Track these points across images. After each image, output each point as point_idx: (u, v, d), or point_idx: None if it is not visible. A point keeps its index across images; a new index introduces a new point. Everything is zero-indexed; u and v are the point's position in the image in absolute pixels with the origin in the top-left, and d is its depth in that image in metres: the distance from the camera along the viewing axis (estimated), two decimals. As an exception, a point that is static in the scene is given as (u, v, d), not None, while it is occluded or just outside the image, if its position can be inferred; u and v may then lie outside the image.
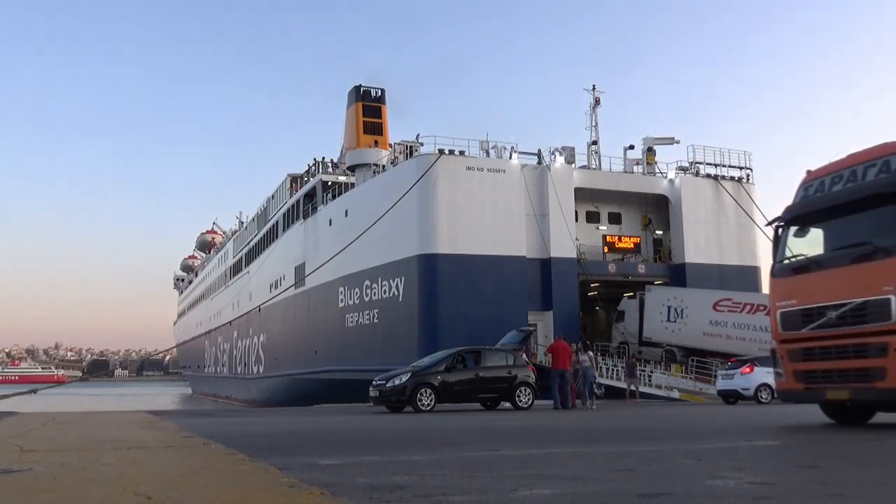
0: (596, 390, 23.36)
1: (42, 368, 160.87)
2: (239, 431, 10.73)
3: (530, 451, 7.54)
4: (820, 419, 11.03)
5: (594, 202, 39.75)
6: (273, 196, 56.65)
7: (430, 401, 17.43)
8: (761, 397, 22.63)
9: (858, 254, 9.49)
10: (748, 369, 23.35)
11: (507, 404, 18.73)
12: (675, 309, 34.01)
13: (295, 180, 50.98)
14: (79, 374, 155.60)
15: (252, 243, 60.73)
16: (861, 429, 10.00)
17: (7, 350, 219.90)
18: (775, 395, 22.70)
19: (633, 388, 27.68)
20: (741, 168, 41.54)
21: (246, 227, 67.43)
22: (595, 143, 40.94)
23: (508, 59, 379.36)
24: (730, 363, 25.44)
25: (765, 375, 23.02)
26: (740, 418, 14.10)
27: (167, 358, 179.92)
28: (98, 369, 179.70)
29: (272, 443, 8.76)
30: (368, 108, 47.73)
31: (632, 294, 37.44)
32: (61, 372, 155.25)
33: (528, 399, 18.71)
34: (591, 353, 23.74)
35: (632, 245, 39.48)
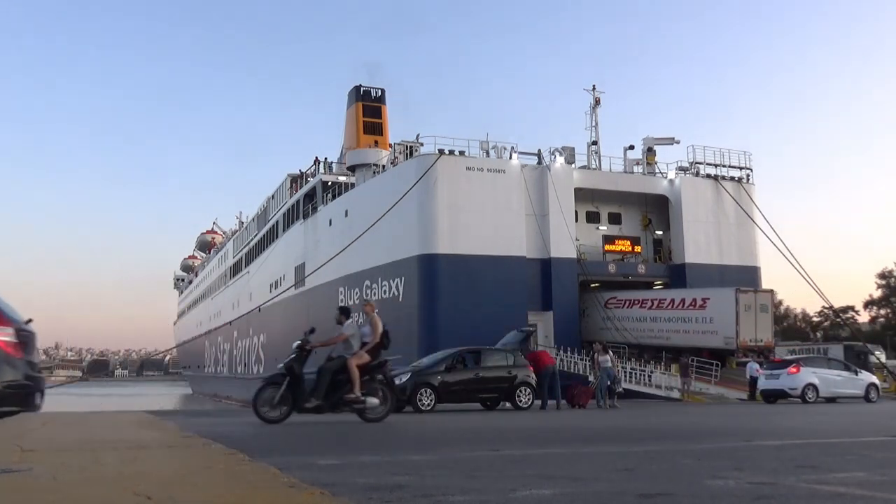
0: (618, 389, 23.48)
1: None
2: (239, 431, 10.73)
3: (530, 451, 7.54)
4: (821, 419, 11.01)
5: (594, 202, 39.76)
6: (273, 196, 56.67)
7: (430, 401, 17.45)
8: (808, 397, 22.66)
9: None
10: (795, 369, 23.51)
11: (507, 404, 18.74)
12: (581, 309, 37.65)
13: (295, 180, 50.98)
14: (79, 374, 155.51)
15: (252, 243, 60.75)
16: (862, 429, 10.00)
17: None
18: (820, 395, 22.90)
19: (687, 387, 28.10)
20: (741, 168, 41.57)
21: (246, 228, 67.47)
22: (595, 143, 40.92)
23: (508, 59, 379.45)
24: (772, 362, 25.62)
25: (810, 375, 23.18)
26: (740, 419, 14.10)
27: (167, 358, 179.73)
28: (98, 369, 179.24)
29: (272, 443, 8.75)
30: (368, 108, 47.76)
31: None
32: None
33: (528, 399, 18.72)
34: (611, 353, 23.91)
35: (628, 245, 39.75)
